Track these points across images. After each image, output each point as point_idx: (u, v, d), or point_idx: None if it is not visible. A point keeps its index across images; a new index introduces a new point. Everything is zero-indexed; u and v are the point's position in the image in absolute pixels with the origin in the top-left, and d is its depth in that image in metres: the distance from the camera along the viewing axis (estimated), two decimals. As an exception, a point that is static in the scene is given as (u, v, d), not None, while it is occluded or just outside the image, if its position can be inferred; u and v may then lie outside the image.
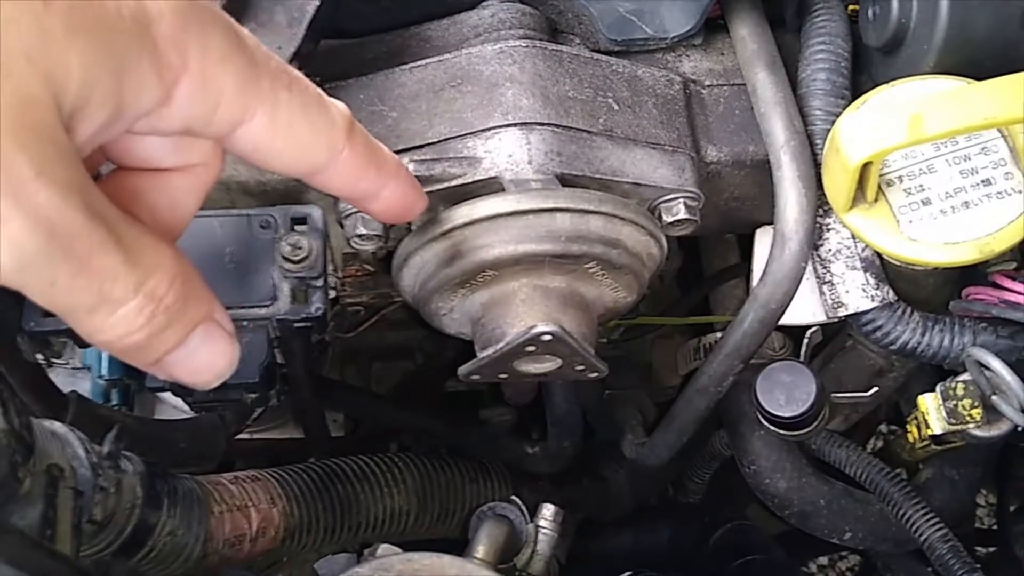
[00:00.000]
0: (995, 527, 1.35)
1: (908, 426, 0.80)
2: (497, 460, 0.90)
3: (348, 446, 0.91)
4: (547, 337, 0.59)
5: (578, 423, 0.87)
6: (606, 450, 0.96)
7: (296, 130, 0.38)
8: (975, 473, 0.97)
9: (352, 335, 0.91)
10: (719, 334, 0.93)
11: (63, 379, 0.83)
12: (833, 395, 0.74)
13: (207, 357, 0.38)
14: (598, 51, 0.73)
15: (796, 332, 0.80)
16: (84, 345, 0.66)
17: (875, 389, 0.77)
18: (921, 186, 0.61)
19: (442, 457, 0.83)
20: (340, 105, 0.41)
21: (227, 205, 0.70)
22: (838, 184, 0.60)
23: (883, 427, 1.28)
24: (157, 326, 0.35)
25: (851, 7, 0.75)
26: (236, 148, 0.38)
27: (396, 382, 1.08)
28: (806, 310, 0.72)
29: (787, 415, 0.71)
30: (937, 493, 0.96)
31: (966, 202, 0.60)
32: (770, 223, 0.77)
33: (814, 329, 0.76)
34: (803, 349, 0.76)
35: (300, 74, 0.39)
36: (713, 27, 0.73)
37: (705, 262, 0.99)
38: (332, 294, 0.76)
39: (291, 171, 0.40)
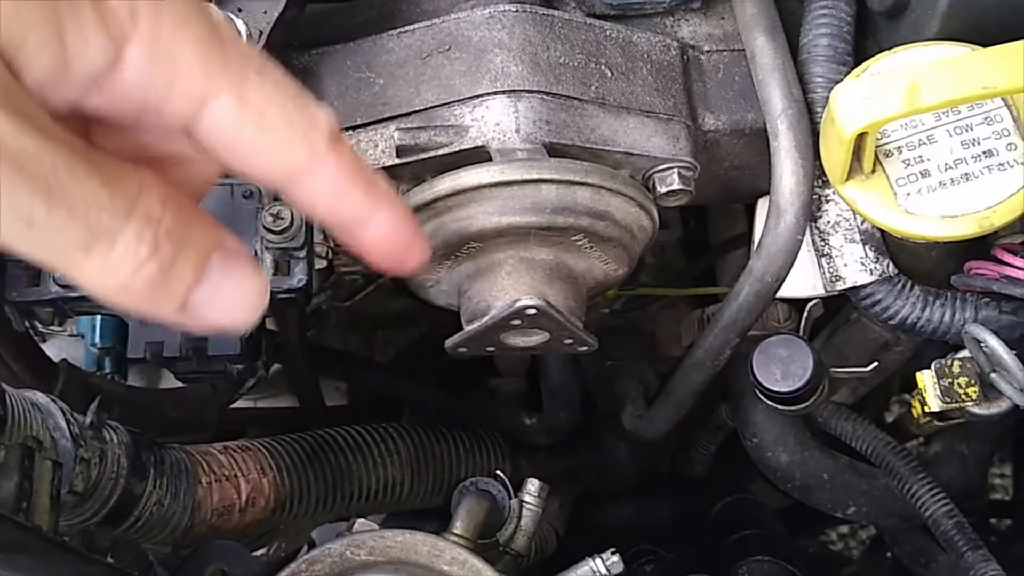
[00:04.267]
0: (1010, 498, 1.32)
1: (912, 401, 0.78)
2: (495, 430, 0.89)
3: (348, 415, 0.90)
4: (532, 311, 0.58)
5: (574, 395, 0.86)
6: (607, 421, 0.95)
7: (269, 118, 0.33)
8: (985, 447, 0.96)
9: (349, 304, 0.91)
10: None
11: (60, 346, 0.83)
12: (832, 370, 0.72)
13: (236, 291, 0.33)
14: (594, 15, 0.71)
15: (801, 304, 0.78)
16: (67, 316, 0.66)
17: (875, 364, 0.75)
18: (920, 157, 0.59)
19: (438, 428, 0.83)
20: (325, 109, 0.35)
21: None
22: (834, 155, 0.58)
23: (897, 398, 1.26)
24: (166, 255, 0.31)
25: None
26: (201, 137, 0.34)
27: (401, 350, 1.08)
28: (805, 282, 0.71)
29: (783, 390, 0.69)
30: (946, 467, 0.94)
31: (966, 174, 0.58)
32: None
33: (814, 302, 0.75)
34: (803, 323, 0.74)
35: (277, 67, 0.35)
36: (713, -11, 0.71)
37: (712, 231, 0.98)
38: (324, 264, 0.76)
39: (264, 170, 0.34)
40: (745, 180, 0.75)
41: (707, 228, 0.97)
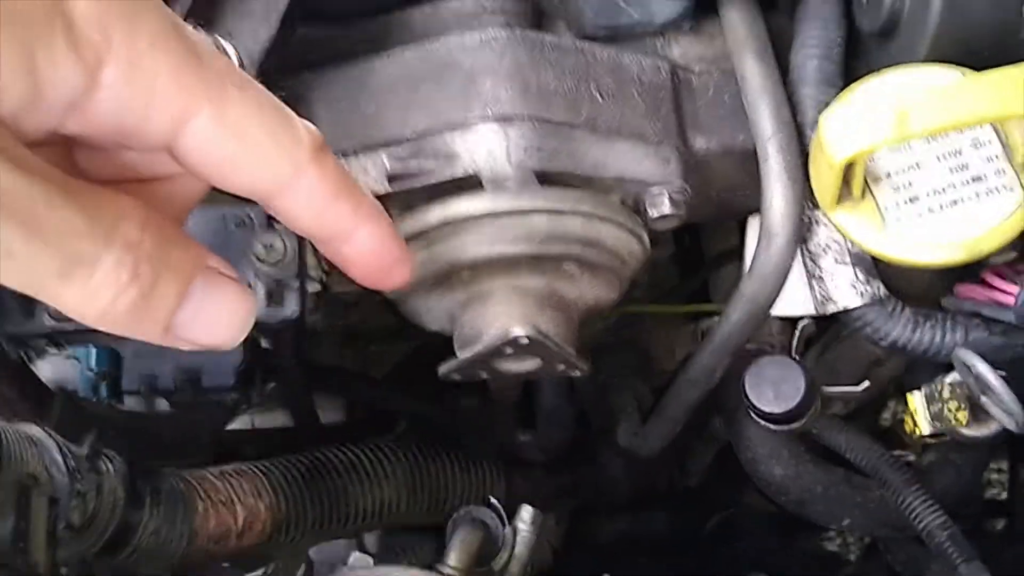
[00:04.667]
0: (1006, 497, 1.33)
1: (904, 417, 0.79)
2: (490, 446, 0.89)
3: (343, 433, 0.91)
4: (524, 340, 0.58)
5: (568, 416, 0.86)
6: (602, 437, 0.95)
7: (251, 134, 0.33)
8: (980, 455, 0.96)
9: (344, 323, 0.91)
10: (717, 320, 0.92)
11: (55, 366, 0.83)
12: (824, 388, 0.72)
13: (220, 309, 0.33)
14: (584, 36, 0.71)
15: (793, 321, 0.78)
16: (61, 347, 0.66)
17: (866, 383, 0.75)
18: (909, 182, 0.59)
19: (432, 447, 0.83)
20: (308, 124, 0.35)
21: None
22: (823, 180, 0.58)
23: (892, 404, 1.27)
24: (146, 279, 0.31)
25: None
26: (183, 156, 0.34)
27: (395, 364, 1.08)
28: (797, 302, 0.71)
29: (776, 411, 0.70)
30: (940, 477, 0.94)
31: (955, 200, 0.58)
32: (762, 210, 0.76)
33: (806, 321, 0.75)
34: (794, 341, 0.75)
35: (257, 84, 0.35)
36: (703, 8, 0.71)
37: (705, 245, 0.98)
38: (319, 287, 0.76)
39: (247, 186, 0.34)
40: (736, 200, 0.75)
41: (700, 242, 0.97)
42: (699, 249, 0.98)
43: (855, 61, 0.70)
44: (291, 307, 0.61)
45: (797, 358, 0.72)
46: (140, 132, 0.33)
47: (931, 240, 0.58)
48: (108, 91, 0.31)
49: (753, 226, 0.78)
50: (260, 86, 0.34)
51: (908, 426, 0.78)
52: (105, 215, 0.31)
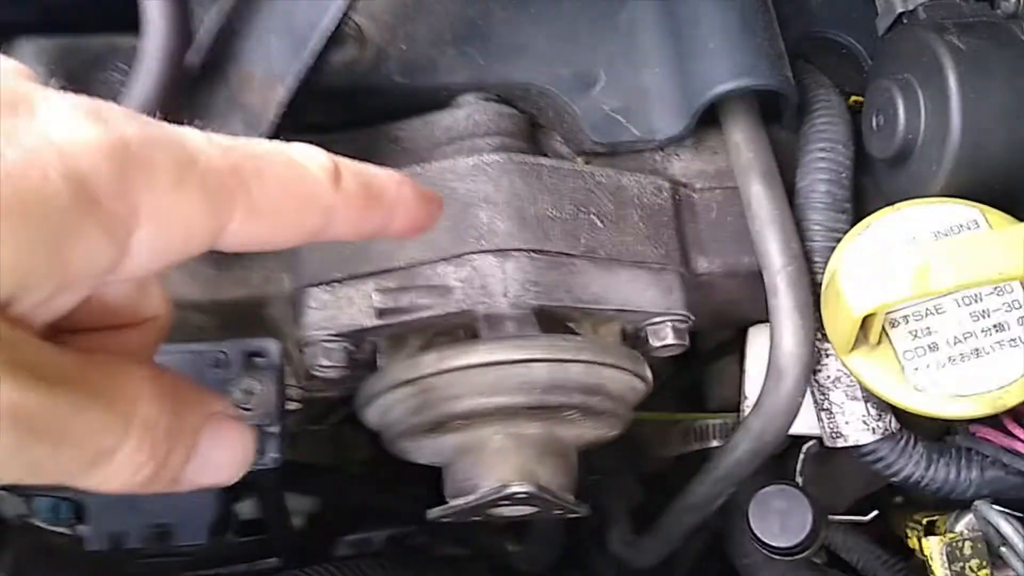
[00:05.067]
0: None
1: (908, 531, 0.76)
2: (478, 553, 0.86)
3: (320, 539, 0.86)
4: (522, 495, 0.55)
5: (559, 533, 0.83)
6: (593, 537, 0.92)
7: (281, 210, 0.35)
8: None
9: (322, 427, 0.87)
10: (711, 421, 0.89)
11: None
12: (831, 517, 0.70)
13: (224, 455, 0.35)
14: (582, 152, 0.68)
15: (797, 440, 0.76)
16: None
17: (875, 512, 0.72)
18: (928, 328, 0.57)
19: (417, 560, 0.79)
20: (314, 154, 0.36)
21: (178, 322, 0.65)
22: (839, 328, 0.56)
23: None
24: (162, 454, 0.32)
25: (853, 98, 0.70)
26: (222, 248, 0.35)
27: (376, 451, 1.04)
28: (802, 422, 0.68)
29: (782, 545, 0.67)
30: (935, 578, 0.92)
31: (976, 349, 0.56)
32: (763, 320, 0.73)
33: (811, 443, 0.72)
34: (799, 465, 0.72)
35: (260, 145, 0.35)
36: (704, 122, 0.68)
37: (699, 338, 0.95)
38: (298, 406, 0.72)
39: (288, 246, 0.36)
40: (737, 311, 0.72)
41: (694, 335, 0.94)
42: (693, 341, 0.95)
43: (862, 179, 0.68)
44: (271, 454, 0.56)
45: (801, 485, 0.69)
46: (177, 262, 0.33)
47: (952, 392, 0.55)
48: (142, 249, 0.31)
49: (754, 337, 0.75)
50: (267, 151, 0.35)
51: (913, 544, 0.75)
52: (125, 401, 0.31)
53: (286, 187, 0.35)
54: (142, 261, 0.32)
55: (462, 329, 0.60)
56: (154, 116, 0.33)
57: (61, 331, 0.35)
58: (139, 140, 0.31)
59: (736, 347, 0.91)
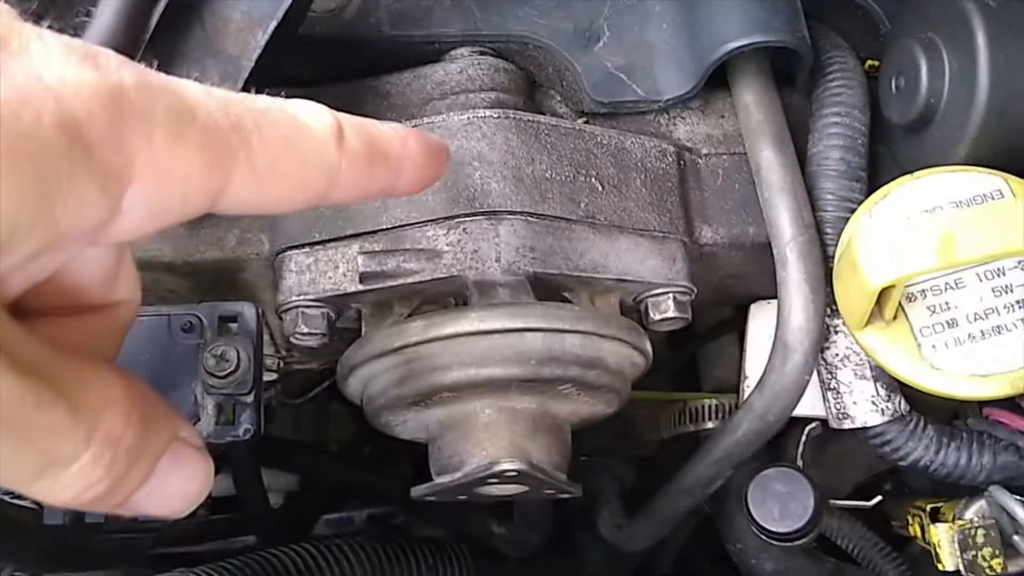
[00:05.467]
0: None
1: (909, 518, 0.73)
2: (461, 535, 0.82)
3: (297, 519, 0.83)
4: (512, 473, 0.51)
5: (547, 514, 0.79)
6: (582, 518, 0.88)
7: (283, 170, 0.33)
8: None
9: (302, 400, 0.83)
10: (707, 401, 0.85)
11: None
12: (832, 502, 0.67)
13: (179, 485, 0.33)
14: (581, 112, 0.64)
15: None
16: None
17: (878, 498, 0.69)
18: (947, 303, 0.53)
19: (397, 543, 0.76)
20: (317, 112, 0.34)
21: (150, 284, 0.61)
22: (854, 302, 0.52)
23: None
24: (119, 471, 0.30)
25: (869, 62, 0.67)
26: (222, 211, 0.33)
27: (359, 428, 1.00)
28: (805, 402, 0.64)
29: (782, 530, 0.63)
30: (936, 567, 0.90)
31: (998, 326, 0.52)
32: (767, 297, 0.70)
33: (813, 424, 0.69)
34: (800, 448, 0.68)
35: (261, 101, 0.33)
36: (712, 84, 0.64)
37: (696, 317, 0.91)
38: (275, 376, 0.68)
39: (292, 210, 0.35)
40: (740, 286, 0.69)
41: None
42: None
43: (876, 147, 0.64)
44: (244, 425, 0.53)
45: (802, 468, 0.66)
46: (174, 222, 0.32)
47: (971, 371, 0.52)
48: (136, 207, 0.29)
49: (756, 314, 0.72)
50: (268, 107, 0.33)
51: (915, 532, 0.72)
52: (91, 407, 0.29)
53: (288, 145, 0.33)
54: (135, 220, 0.29)
55: (452, 296, 0.56)
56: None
57: (28, 312, 0.33)
58: (137, 88, 0.29)
59: (735, 326, 0.87)
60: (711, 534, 0.93)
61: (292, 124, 0.33)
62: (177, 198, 0.30)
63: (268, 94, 0.35)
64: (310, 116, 0.34)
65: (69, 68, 0.28)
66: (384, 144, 0.36)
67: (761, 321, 0.71)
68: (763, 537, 0.66)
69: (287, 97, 0.35)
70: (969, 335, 0.53)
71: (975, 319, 0.53)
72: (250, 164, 0.32)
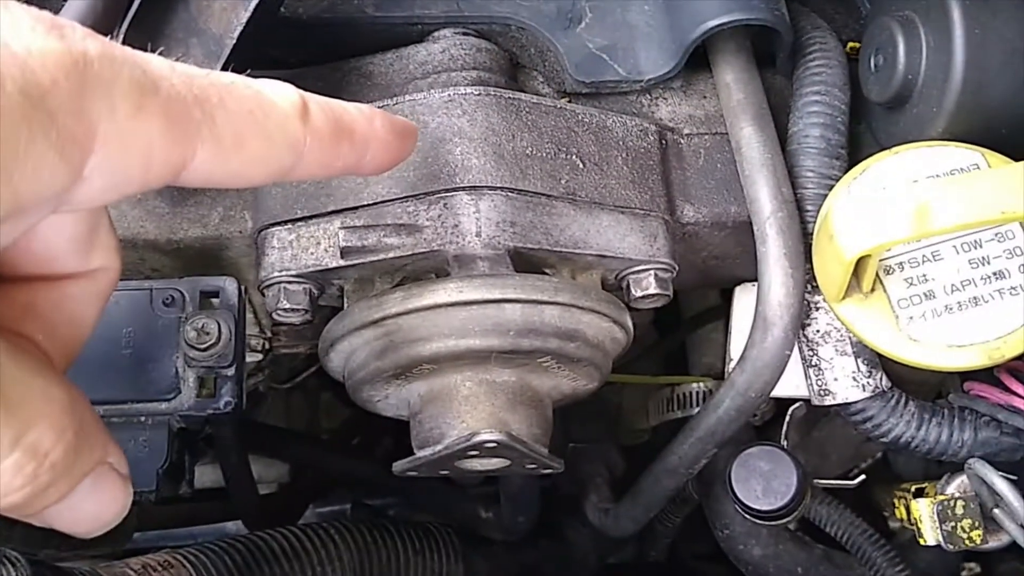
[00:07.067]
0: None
1: (895, 502, 0.73)
2: (449, 520, 0.82)
3: (285, 504, 0.83)
4: (491, 444, 0.51)
5: (534, 499, 0.79)
6: (569, 504, 0.88)
7: (248, 145, 0.34)
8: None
9: (290, 385, 0.83)
10: (695, 385, 0.86)
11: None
12: (816, 481, 0.67)
13: (93, 508, 0.34)
14: (564, 93, 0.64)
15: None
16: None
17: (862, 477, 0.70)
18: (924, 276, 0.54)
19: (384, 526, 0.76)
20: (282, 88, 0.35)
21: (135, 263, 0.61)
22: (831, 272, 0.52)
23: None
24: (39, 485, 0.30)
25: (850, 44, 0.67)
26: (187, 184, 0.33)
27: (349, 416, 1.01)
28: (790, 383, 0.65)
29: (765, 508, 0.64)
30: (924, 553, 0.90)
31: (975, 298, 0.53)
32: (752, 279, 0.70)
33: (797, 404, 0.69)
34: (783, 429, 0.69)
35: (227, 76, 0.34)
36: (694, 65, 0.64)
37: (683, 302, 0.92)
38: (260, 356, 0.68)
39: (257, 183, 0.36)
40: (724, 268, 0.69)
41: (678, 299, 0.91)
42: (676, 308, 0.92)
43: (856, 126, 0.65)
44: (225, 398, 0.53)
45: (786, 446, 0.66)
46: (137, 192, 0.32)
47: (948, 342, 0.52)
48: (98, 176, 0.30)
49: (741, 295, 0.72)
50: (234, 82, 0.33)
51: (900, 514, 0.73)
52: (23, 413, 0.29)
53: (252, 120, 0.33)
54: (96, 188, 0.30)
55: (433, 271, 0.57)
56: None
57: (2, 278, 0.34)
58: (101, 59, 0.30)
59: (721, 313, 0.88)
60: (703, 529, 0.94)
61: (257, 99, 0.34)
62: (139, 167, 0.31)
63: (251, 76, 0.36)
64: (275, 92, 0.35)
65: (36, 38, 0.28)
66: (349, 122, 0.37)
67: (745, 303, 0.71)
68: (748, 517, 0.66)
69: (272, 79, 0.36)
70: (946, 306, 0.53)
71: (952, 291, 0.53)
72: (214, 137, 0.32)
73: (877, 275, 0.54)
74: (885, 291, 0.54)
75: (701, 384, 0.83)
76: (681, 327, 0.90)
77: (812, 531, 0.85)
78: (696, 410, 0.84)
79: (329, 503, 0.98)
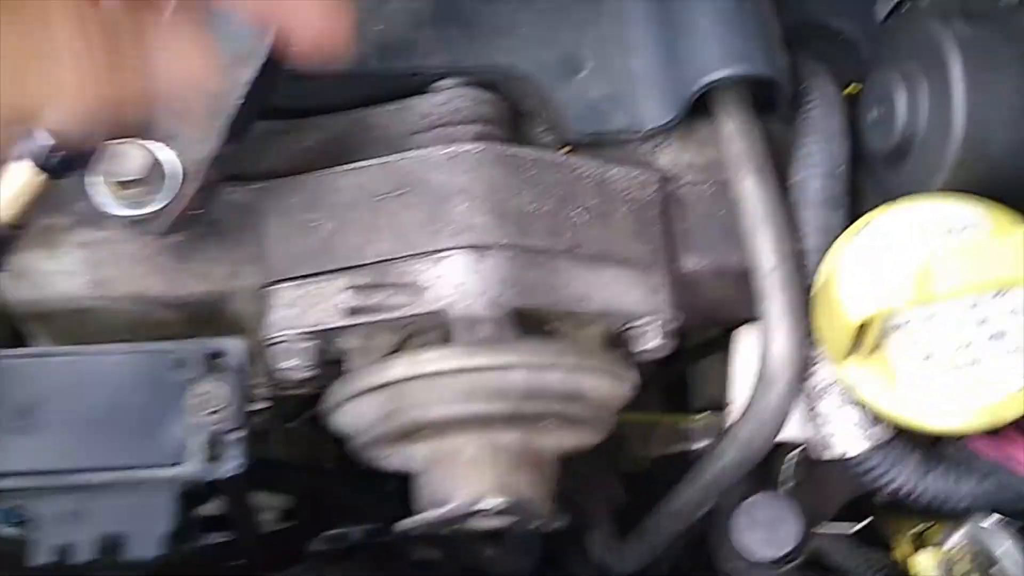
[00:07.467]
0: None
1: (896, 540, 0.74)
2: (453, 556, 0.83)
3: (289, 544, 0.83)
4: (497, 509, 0.52)
5: (538, 543, 0.80)
6: (572, 538, 0.89)
7: None
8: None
9: (294, 424, 0.84)
10: (698, 417, 0.86)
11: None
12: (816, 532, 0.67)
13: None
14: (565, 141, 0.64)
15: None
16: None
17: (868, 519, 0.70)
18: (925, 335, 0.54)
19: (387, 567, 0.76)
20: None
21: (139, 319, 0.61)
22: (834, 335, 0.53)
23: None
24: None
25: (853, 85, 0.67)
26: None
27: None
28: (791, 428, 0.65)
29: (767, 557, 0.64)
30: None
31: (975, 359, 0.53)
32: (753, 319, 0.70)
33: (798, 450, 0.69)
34: (784, 473, 0.69)
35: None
36: (694, 112, 0.64)
37: (685, 333, 0.92)
38: (267, 404, 0.69)
39: None
40: (727, 311, 0.69)
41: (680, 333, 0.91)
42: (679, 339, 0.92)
43: (860, 176, 0.65)
44: (231, 462, 0.53)
45: (788, 493, 0.67)
46: None
47: (948, 405, 0.53)
48: None
49: (741, 340, 0.72)
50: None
51: (900, 554, 0.73)
52: None
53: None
54: None
55: (438, 330, 0.57)
56: None
57: None
58: None
59: (723, 344, 0.88)
60: (706, 551, 0.94)
61: None
62: None
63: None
64: None
65: None
66: None
67: (747, 347, 0.71)
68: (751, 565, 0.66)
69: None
70: (947, 367, 0.53)
71: (952, 351, 0.53)
72: None
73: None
74: (887, 352, 0.54)
75: (701, 420, 0.83)
76: (682, 359, 0.90)
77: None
78: (699, 445, 0.84)
79: (331, 529, 0.98)
